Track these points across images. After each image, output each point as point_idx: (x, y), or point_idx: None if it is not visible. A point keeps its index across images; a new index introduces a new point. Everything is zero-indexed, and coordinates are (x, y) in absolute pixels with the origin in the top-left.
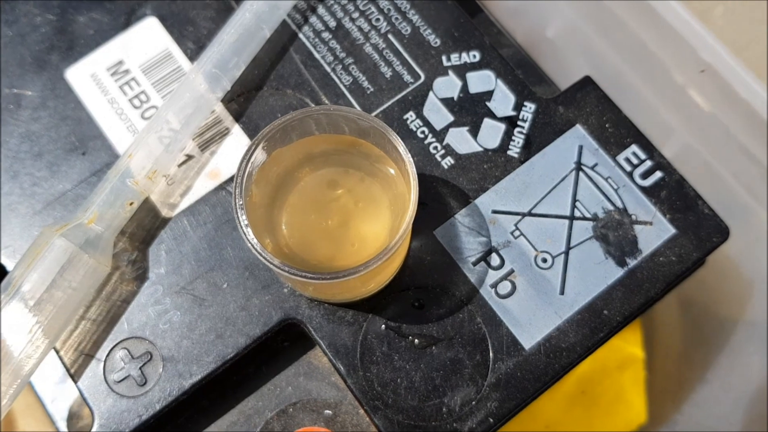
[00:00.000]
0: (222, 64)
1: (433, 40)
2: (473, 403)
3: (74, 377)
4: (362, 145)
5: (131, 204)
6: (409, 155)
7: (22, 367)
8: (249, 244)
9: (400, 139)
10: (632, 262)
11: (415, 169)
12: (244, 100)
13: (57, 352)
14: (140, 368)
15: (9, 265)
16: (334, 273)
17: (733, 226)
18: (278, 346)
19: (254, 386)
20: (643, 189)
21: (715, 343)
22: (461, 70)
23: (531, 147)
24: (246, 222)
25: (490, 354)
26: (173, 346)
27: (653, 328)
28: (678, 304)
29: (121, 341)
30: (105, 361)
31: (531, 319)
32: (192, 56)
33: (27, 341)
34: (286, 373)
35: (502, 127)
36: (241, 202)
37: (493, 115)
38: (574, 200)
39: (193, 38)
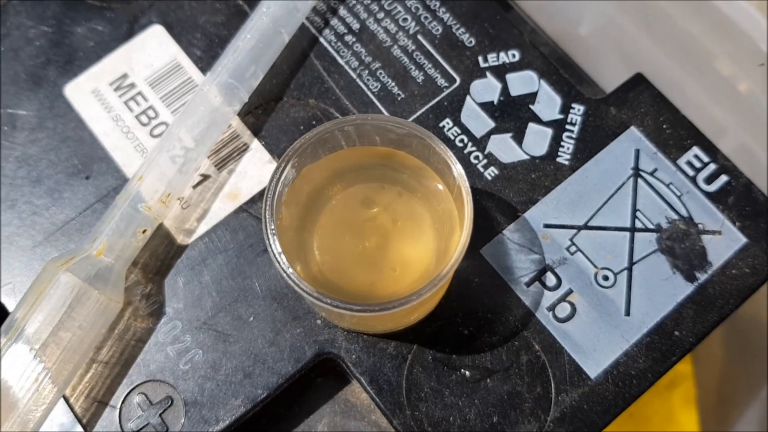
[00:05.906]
0: (239, 73)
1: (467, 39)
2: None
3: (86, 427)
4: (398, 156)
5: (144, 231)
6: (460, 166)
7: (28, 419)
8: (284, 274)
9: (447, 149)
10: (702, 277)
11: (467, 183)
12: (262, 112)
13: (67, 400)
14: (160, 415)
15: (10, 305)
16: (381, 304)
17: None
18: (311, 382)
19: (286, 428)
20: (709, 195)
21: (763, 357)
22: (500, 71)
23: (583, 153)
24: (279, 249)
25: (552, 385)
26: (196, 389)
27: None
28: None
29: (137, 385)
30: (120, 409)
31: (595, 344)
32: (203, 66)
33: (33, 390)
34: (320, 412)
35: (549, 131)
36: (272, 227)
37: (538, 120)
38: (635, 210)
39: (203, 47)
